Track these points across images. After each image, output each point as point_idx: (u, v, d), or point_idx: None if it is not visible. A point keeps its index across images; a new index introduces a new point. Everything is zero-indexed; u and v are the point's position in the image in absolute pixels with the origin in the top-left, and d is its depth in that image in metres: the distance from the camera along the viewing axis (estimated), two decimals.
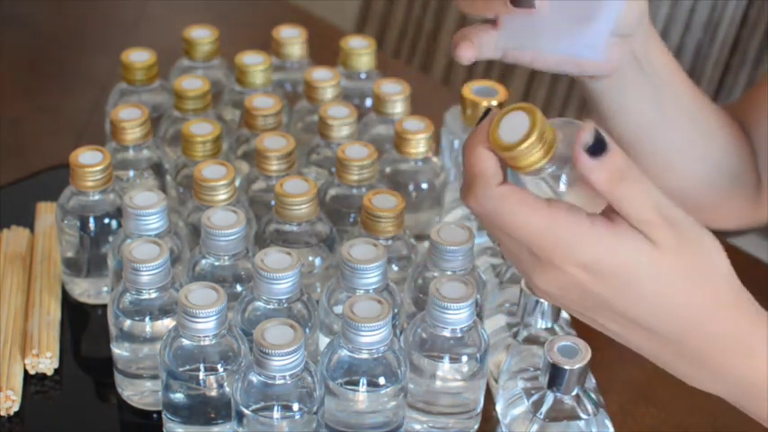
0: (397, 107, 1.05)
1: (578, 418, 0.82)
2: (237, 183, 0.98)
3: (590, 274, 0.63)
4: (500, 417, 0.88)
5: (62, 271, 1.00)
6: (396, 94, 1.05)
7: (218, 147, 0.99)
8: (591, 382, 0.86)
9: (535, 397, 0.83)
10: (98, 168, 0.93)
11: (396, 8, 1.82)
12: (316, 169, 1.04)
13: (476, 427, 0.89)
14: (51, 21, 1.46)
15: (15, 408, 0.89)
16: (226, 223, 0.87)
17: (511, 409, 0.85)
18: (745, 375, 0.66)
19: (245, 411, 0.77)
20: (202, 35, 1.13)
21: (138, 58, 1.09)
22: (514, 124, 0.63)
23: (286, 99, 1.11)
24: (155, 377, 0.88)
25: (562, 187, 0.65)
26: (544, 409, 0.82)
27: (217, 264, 0.89)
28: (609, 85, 0.87)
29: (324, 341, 0.86)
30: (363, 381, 0.80)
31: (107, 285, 0.99)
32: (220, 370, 0.81)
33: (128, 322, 0.86)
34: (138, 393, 0.90)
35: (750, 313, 0.66)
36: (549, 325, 0.88)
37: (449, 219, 1.03)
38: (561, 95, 1.65)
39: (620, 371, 0.97)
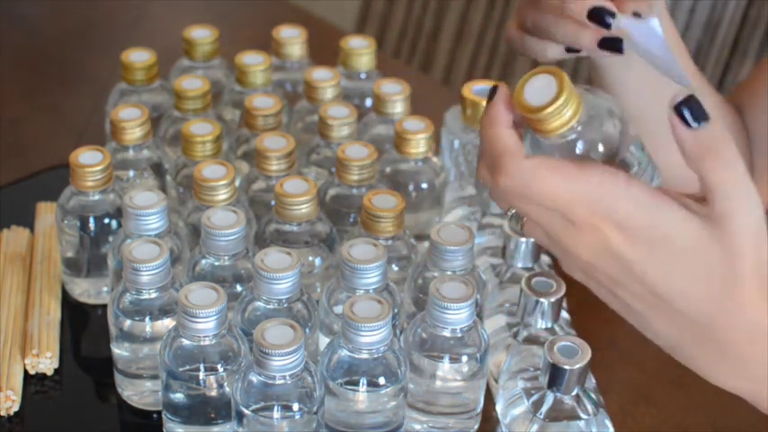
0: (397, 107, 1.05)
1: (578, 418, 0.82)
2: (237, 183, 0.98)
3: (623, 235, 0.62)
4: (500, 417, 0.88)
5: (62, 271, 1.00)
6: (396, 94, 1.05)
7: (218, 147, 0.99)
8: (591, 382, 0.86)
9: (535, 397, 0.83)
10: (98, 168, 0.93)
11: (396, 8, 1.82)
12: (316, 169, 1.04)
13: (476, 427, 0.89)
14: (51, 21, 1.46)
15: (15, 408, 0.89)
16: (226, 223, 0.87)
17: (511, 409, 0.85)
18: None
19: (245, 411, 0.77)
20: (202, 35, 1.13)
21: (138, 58, 1.09)
22: (539, 87, 0.63)
23: (286, 99, 1.11)
24: (155, 377, 0.88)
25: (579, 149, 0.65)
26: (544, 409, 0.82)
27: (217, 264, 0.89)
28: (613, 59, 0.86)
29: (324, 341, 0.86)
30: (363, 381, 0.80)
31: (107, 285, 0.99)
32: (220, 370, 0.81)
33: (128, 322, 0.86)
34: (138, 393, 0.90)
35: None
36: (549, 325, 0.88)
37: (449, 219, 1.03)
38: None
39: (620, 371, 0.97)
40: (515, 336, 0.89)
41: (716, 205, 0.62)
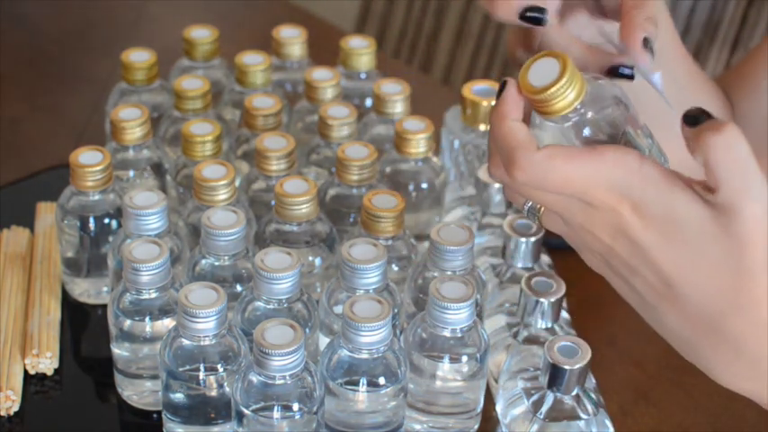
0: (397, 107, 1.05)
1: (578, 418, 0.82)
2: (237, 183, 0.98)
3: (639, 217, 0.63)
4: (500, 417, 0.88)
5: (62, 271, 1.00)
6: (396, 94, 1.05)
7: (218, 147, 0.99)
8: (591, 382, 0.86)
9: (535, 397, 0.83)
10: (98, 168, 0.93)
11: (396, 8, 1.82)
12: (316, 169, 1.04)
13: (476, 427, 0.89)
14: (51, 21, 1.46)
15: (15, 408, 0.89)
16: (226, 223, 0.87)
17: (511, 409, 0.85)
18: None
19: (245, 411, 0.77)
20: (202, 35, 1.13)
21: (138, 58, 1.09)
22: (543, 70, 0.64)
23: (286, 99, 1.11)
24: (155, 377, 0.88)
25: (586, 133, 0.65)
26: (544, 409, 0.82)
27: (217, 264, 0.89)
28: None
29: (324, 341, 0.86)
30: (363, 381, 0.80)
31: (107, 285, 0.99)
32: (220, 370, 0.81)
33: (128, 322, 0.86)
34: (138, 393, 0.90)
35: None
36: (549, 325, 0.88)
37: (449, 219, 1.03)
38: None
39: (620, 371, 0.97)
40: (515, 336, 0.89)
41: (721, 192, 0.61)
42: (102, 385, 0.93)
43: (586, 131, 0.65)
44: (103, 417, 0.92)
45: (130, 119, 0.99)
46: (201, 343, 0.80)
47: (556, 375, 0.80)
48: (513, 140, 0.64)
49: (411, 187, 1.01)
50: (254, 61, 1.09)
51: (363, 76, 1.14)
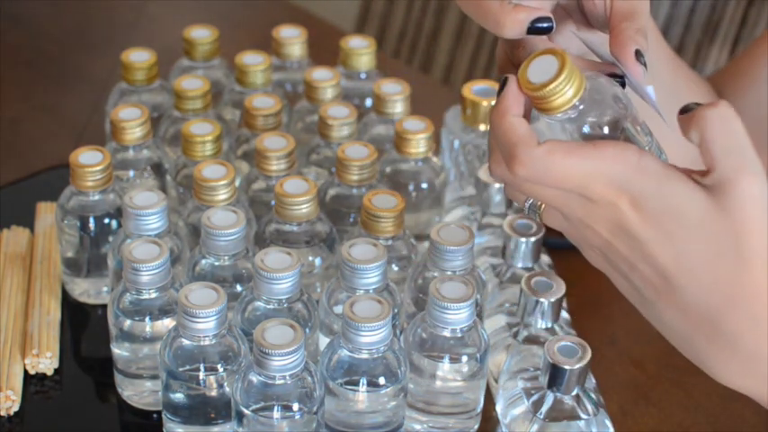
0: (397, 107, 1.05)
1: (578, 418, 0.82)
2: (237, 183, 0.98)
3: (637, 212, 0.63)
4: (500, 417, 0.88)
5: (62, 271, 1.00)
6: (396, 94, 1.05)
7: (218, 147, 0.99)
8: (591, 382, 0.86)
9: (535, 397, 0.83)
10: (98, 168, 0.93)
11: (396, 8, 1.82)
12: (316, 169, 1.04)
13: (476, 427, 0.89)
14: (51, 21, 1.46)
15: (15, 408, 0.89)
16: (226, 223, 0.87)
17: (511, 409, 0.85)
18: None
19: (245, 411, 0.77)
20: (202, 35, 1.13)
21: (138, 58, 1.09)
22: (542, 67, 0.64)
23: (286, 99, 1.11)
24: (155, 377, 0.88)
25: (585, 130, 0.65)
26: (544, 409, 0.82)
27: (217, 264, 0.89)
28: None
29: (324, 341, 0.86)
30: (363, 381, 0.80)
31: (107, 285, 0.99)
32: (220, 370, 0.81)
33: (128, 322, 0.86)
34: (138, 393, 0.90)
35: None
36: (549, 325, 0.88)
37: (449, 219, 1.03)
38: None
39: (620, 371, 0.97)
40: (515, 336, 0.89)
41: (717, 169, 0.62)
42: (102, 385, 0.93)
43: (586, 128, 0.65)
44: (103, 417, 0.92)
45: (130, 119, 0.99)
46: (201, 343, 0.80)
47: (556, 375, 0.80)
48: (514, 136, 0.64)
49: (411, 187, 1.01)
50: (254, 61, 1.09)
51: (363, 76, 1.14)
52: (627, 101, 0.66)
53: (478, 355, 0.84)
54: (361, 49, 1.13)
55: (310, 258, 0.94)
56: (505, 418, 0.86)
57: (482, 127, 1.06)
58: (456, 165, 1.08)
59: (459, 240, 0.86)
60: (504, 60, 0.74)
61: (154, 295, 0.85)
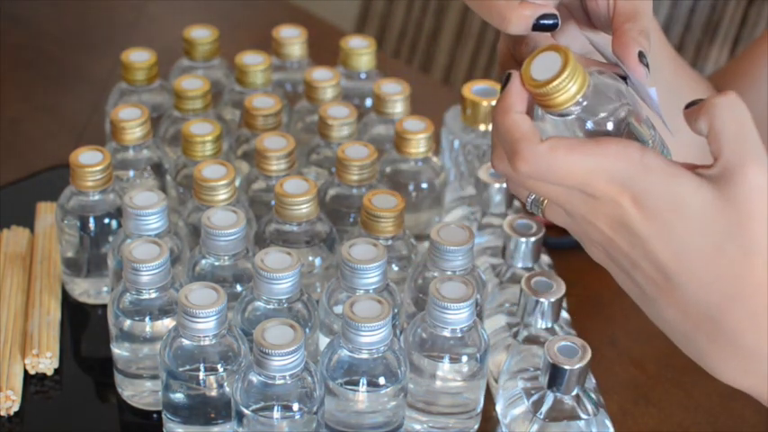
0: (397, 107, 1.05)
1: (578, 418, 0.82)
2: (237, 183, 0.98)
3: (639, 209, 0.63)
4: (500, 417, 0.88)
5: (62, 271, 1.00)
6: (396, 94, 1.05)
7: (218, 147, 0.99)
8: (591, 382, 0.86)
9: (535, 397, 0.83)
10: (98, 168, 0.93)
11: (396, 8, 1.82)
12: (316, 169, 1.04)
13: (476, 427, 0.89)
14: (51, 21, 1.46)
15: (15, 408, 0.89)
16: (226, 223, 0.87)
17: (511, 409, 0.85)
18: None
19: (245, 411, 0.77)
20: (202, 35, 1.13)
21: (138, 58, 1.09)
22: (546, 64, 0.64)
23: (286, 99, 1.11)
24: (155, 377, 0.88)
25: (588, 127, 0.65)
26: (544, 409, 0.82)
27: (217, 264, 0.89)
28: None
29: (324, 341, 0.86)
30: (363, 381, 0.80)
31: (107, 285, 0.99)
32: (220, 370, 0.81)
33: (128, 322, 0.86)
34: (138, 393, 0.90)
35: None
36: (549, 325, 0.88)
37: (449, 219, 1.03)
38: None
39: (620, 371, 0.97)
40: (515, 336, 0.89)
41: (723, 155, 0.62)
42: (102, 385, 0.93)
43: (589, 124, 0.65)
44: (103, 417, 0.92)
45: (130, 119, 0.99)
46: (201, 343, 0.80)
47: (556, 375, 0.80)
48: (517, 132, 0.64)
49: (411, 187, 1.01)
50: (254, 61, 1.09)
51: (363, 76, 1.14)
52: (630, 97, 0.66)
53: (478, 355, 0.84)
54: (361, 49, 1.13)
55: (310, 258, 0.94)
56: (505, 418, 0.86)
57: (482, 127, 1.06)
58: (456, 165, 1.08)
59: (459, 240, 0.86)
60: (505, 56, 0.74)
61: (154, 295, 0.85)
